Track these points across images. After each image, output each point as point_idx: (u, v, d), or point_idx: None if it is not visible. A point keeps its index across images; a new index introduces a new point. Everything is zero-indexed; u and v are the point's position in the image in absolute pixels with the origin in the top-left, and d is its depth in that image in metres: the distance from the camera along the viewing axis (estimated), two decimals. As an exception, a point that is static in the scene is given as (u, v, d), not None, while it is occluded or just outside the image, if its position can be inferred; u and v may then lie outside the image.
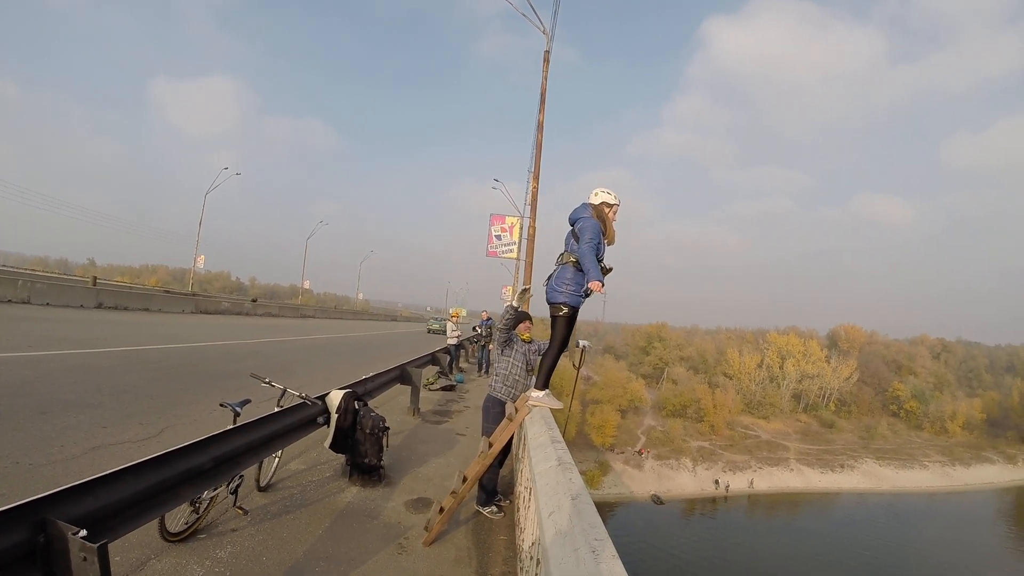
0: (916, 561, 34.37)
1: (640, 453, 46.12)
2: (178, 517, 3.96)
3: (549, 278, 4.70)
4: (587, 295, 4.56)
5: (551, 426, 4.66)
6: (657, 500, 40.72)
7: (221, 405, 4.63)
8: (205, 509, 4.18)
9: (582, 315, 4.95)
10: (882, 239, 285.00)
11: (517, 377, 5.74)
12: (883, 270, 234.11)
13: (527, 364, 5.82)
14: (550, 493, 2.99)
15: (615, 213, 4.61)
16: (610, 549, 1.98)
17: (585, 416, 45.46)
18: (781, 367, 63.23)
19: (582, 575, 1.86)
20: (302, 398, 5.29)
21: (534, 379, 5.85)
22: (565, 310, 4.58)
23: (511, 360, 5.76)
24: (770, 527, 39.44)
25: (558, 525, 2.43)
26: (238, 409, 4.51)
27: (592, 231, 4.29)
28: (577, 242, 4.40)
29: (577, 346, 5.97)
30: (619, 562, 1.91)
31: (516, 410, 4.90)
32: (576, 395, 47.22)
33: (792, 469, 49.19)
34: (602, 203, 4.49)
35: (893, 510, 44.07)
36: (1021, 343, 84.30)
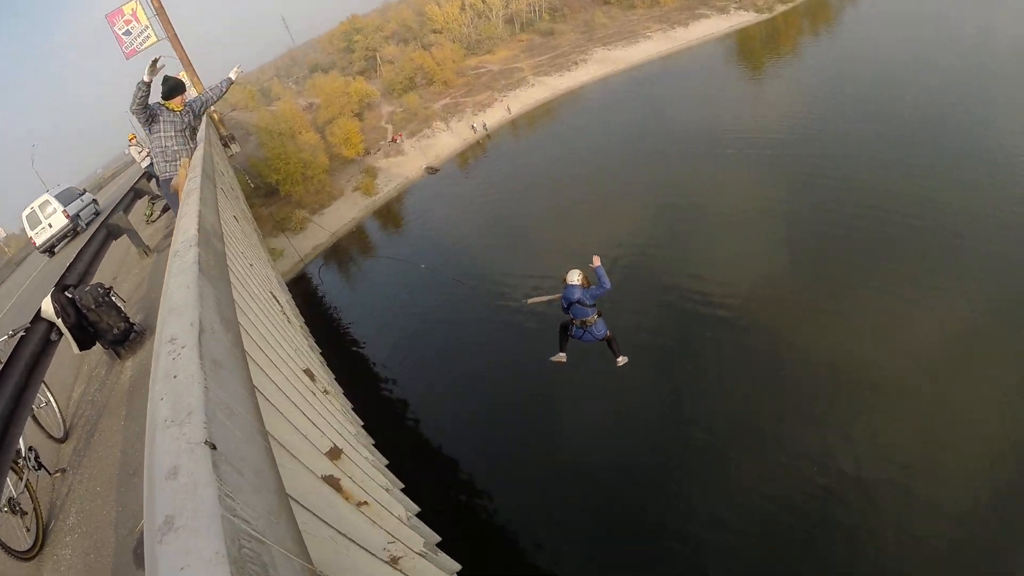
0: (672, 112, 38.57)
1: (395, 140, 44.99)
2: (16, 532, 3.57)
3: (585, 325, 7.84)
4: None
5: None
6: (431, 170, 41.46)
7: None
8: (33, 503, 3.78)
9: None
10: None
11: (175, 148, 5.27)
12: None
13: (184, 131, 5.32)
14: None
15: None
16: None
17: (326, 139, 42.06)
18: (484, 1, 61.36)
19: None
20: (11, 334, 4.81)
21: (195, 144, 5.65)
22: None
23: (161, 134, 5.26)
24: (538, 138, 42.89)
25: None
26: None
27: (593, 293, 7.61)
28: (590, 301, 7.73)
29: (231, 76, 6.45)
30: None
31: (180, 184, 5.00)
32: (304, 129, 42.50)
33: (533, 84, 51.77)
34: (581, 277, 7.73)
35: (635, 81, 48.77)
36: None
